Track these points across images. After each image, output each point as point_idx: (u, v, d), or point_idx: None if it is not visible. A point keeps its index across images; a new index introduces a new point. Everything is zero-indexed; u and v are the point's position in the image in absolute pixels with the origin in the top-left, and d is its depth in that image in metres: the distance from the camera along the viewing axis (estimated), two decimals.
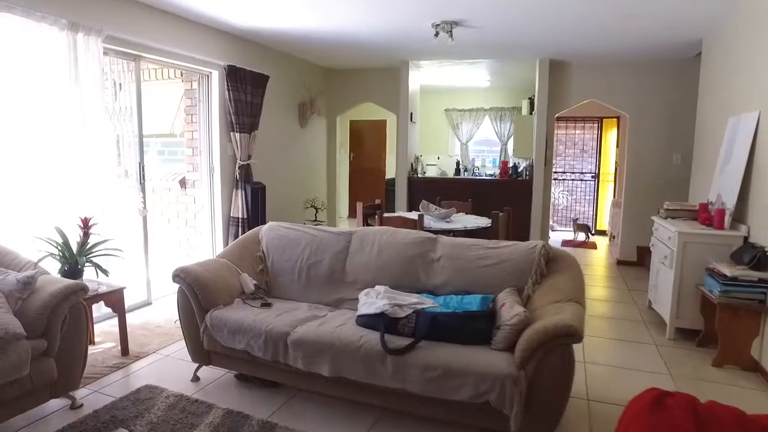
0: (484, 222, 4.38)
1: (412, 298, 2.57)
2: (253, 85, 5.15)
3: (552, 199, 7.33)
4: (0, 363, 2.07)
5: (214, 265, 2.97)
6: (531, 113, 6.97)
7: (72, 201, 3.45)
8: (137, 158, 4.14)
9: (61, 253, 2.92)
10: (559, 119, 6.89)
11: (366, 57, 6.14)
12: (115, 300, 3.17)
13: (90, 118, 3.50)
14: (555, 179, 8.20)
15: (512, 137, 7.98)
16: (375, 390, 2.35)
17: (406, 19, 4.39)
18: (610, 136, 8.38)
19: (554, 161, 7.05)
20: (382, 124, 8.98)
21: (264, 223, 4.35)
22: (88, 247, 3.04)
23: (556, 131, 6.84)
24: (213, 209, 5.10)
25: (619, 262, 6.22)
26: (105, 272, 3.06)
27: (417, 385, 2.21)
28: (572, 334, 2.03)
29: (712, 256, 3.38)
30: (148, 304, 4.30)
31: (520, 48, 5.49)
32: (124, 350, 3.21)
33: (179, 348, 3.26)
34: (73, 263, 2.92)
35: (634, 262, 6.10)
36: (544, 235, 6.42)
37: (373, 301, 2.54)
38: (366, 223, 4.42)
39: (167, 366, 3.10)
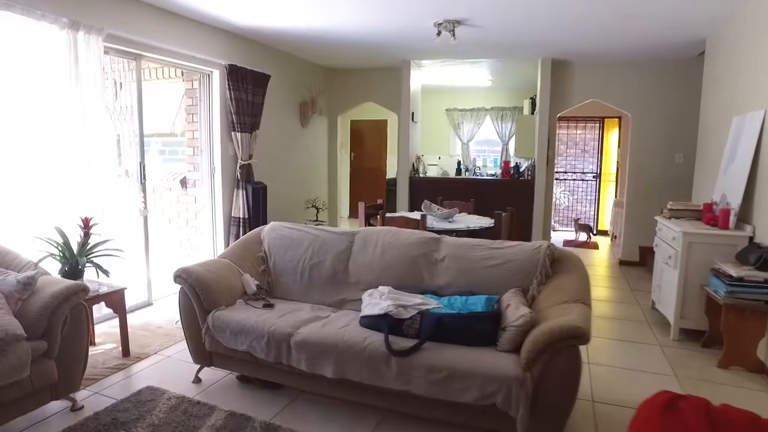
0: (486, 222, 4.36)
1: (416, 299, 2.54)
2: (254, 84, 5.13)
3: (553, 199, 7.31)
4: (0, 365, 2.05)
5: (215, 265, 2.94)
6: (532, 113, 6.96)
7: (72, 201, 3.43)
8: (138, 158, 4.11)
9: (61, 254, 2.90)
10: (560, 119, 6.87)
11: (367, 56, 6.12)
12: (115, 301, 3.15)
13: (90, 117, 3.48)
14: (556, 179, 8.19)
15: (513, 137, 7.97)
16: (379, 392, 2.33)
17: (407, 18, 4.38)
18: (612, 135, 8.37)
19: (556, 161, 7.02)
20: (383, 123, 8.96)
21: (265, 223, 4.33)
22: (88, 247, 3.02)
23: (557, 131, 6.81)
24: (214, 209, 5.07)
25: (621, 263, 6.20)
26: (106, 273, 3.04)
27: (422, 386, 2.19)
28: (579, 336, 2.01)
29: (717, 256, 3.37)
30: (149, 304, 4.27)
31: (522, 47, 5.47)
32: (125, 351, 3.19)
33: (180, 349, 3.23)
34: (73, 264, 2.89)
35: (636, 262, 6.08)
36: (546, 235, 6.40)
37: (377, 301, 2.52)
38: (368, 223, 4.40)
39: (169, 367, 3.08)
